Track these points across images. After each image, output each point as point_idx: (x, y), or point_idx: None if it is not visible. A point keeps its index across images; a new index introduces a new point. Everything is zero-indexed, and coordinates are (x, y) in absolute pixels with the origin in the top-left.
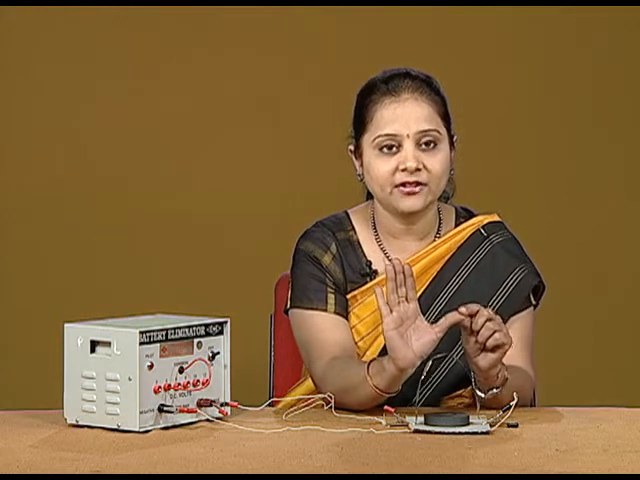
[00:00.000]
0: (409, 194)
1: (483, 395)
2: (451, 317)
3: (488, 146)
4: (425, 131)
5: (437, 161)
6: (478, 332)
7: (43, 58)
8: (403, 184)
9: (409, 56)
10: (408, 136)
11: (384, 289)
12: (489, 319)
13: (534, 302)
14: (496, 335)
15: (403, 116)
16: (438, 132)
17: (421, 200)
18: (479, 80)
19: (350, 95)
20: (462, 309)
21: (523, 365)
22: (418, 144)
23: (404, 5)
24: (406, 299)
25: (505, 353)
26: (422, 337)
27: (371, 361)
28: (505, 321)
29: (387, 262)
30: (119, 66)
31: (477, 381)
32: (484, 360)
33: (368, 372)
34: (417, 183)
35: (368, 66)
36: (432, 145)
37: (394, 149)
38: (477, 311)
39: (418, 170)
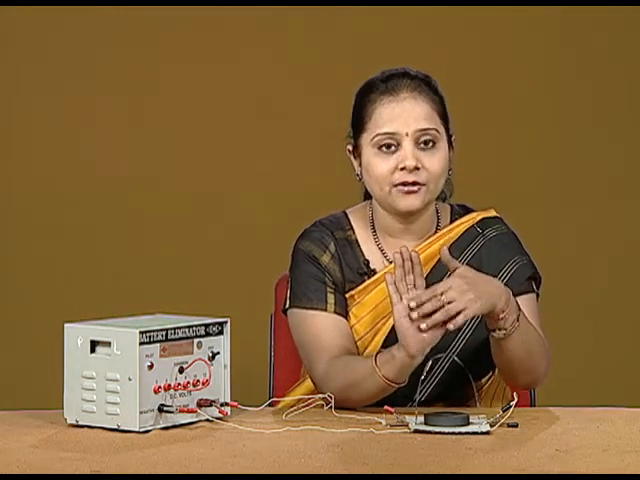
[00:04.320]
0: (408, 193)
1: (494, 335)
2: None
3: (486, 144)
4: (424, 130)
5: (436, 160)
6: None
7: (43, 58)
8: (402, 183)
9: (408, 56)
10: (407, 135)
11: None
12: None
13: (536, 290)
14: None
15: (402, 115)
16: (437, 131)
17: (419, 199)
18: (478, 80)
19: (349, 95)
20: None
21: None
22: (417, 143)
23: (404, 5)
24: (414, 286)
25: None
26: None
27: (378, 352)
28: None
29: (395, 251)
30: (119, 66)
31: (487, 323)
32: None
33: (376, 363)
34: (416, 183)
35: (367, 66)
36: (431, 144)
37: (393, 148)
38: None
39: (417, 169)
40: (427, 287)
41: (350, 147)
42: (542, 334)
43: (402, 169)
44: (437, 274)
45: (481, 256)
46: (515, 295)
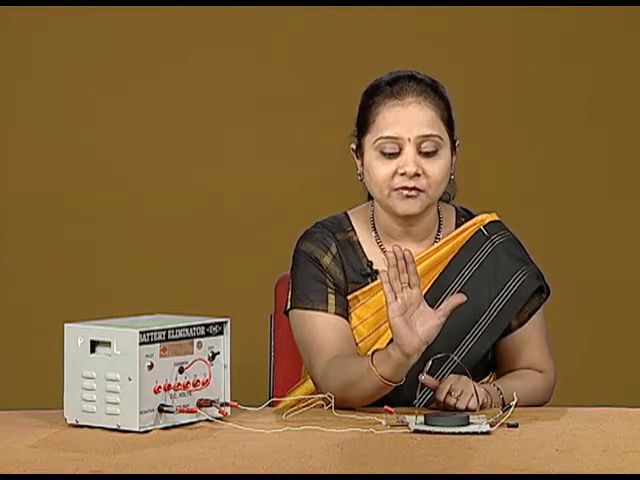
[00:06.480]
0: (407, 197)
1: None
2: (453, 300)
3: (486, 146)
4: (427, 136)
5: (437, 167)
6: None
7: (43, 59)
8: (401, 188)
9: (409, 56)
10: (409, 140)
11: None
12: (449, 392)
13: (544, 296)
14: (457, 404)
15: (406, 119)
16: (440, 138)
17: (418, 204)
18: (478, 80)
19: (351, 95)
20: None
21: (541, 364)
22: (419, 149)
23: (405, 5)
24: (409, 285)
25: (478, 399)
26: (426, 322)
27: (374, 351)
28: (508, 321)
29: (388, 250)
30: (119, 66)
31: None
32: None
33: (372, 362)
34: (415, 188)
35: (369, 66)
36: (433, 151)
37: (395, 152)
38: (437, 386)
39: (417, 175)
40: (434, 285)
41: (354, 146)
42: (547, 351)
43: (402, 174)
44: (444, 280)
45: (489, 263)
46: (519, 313)
